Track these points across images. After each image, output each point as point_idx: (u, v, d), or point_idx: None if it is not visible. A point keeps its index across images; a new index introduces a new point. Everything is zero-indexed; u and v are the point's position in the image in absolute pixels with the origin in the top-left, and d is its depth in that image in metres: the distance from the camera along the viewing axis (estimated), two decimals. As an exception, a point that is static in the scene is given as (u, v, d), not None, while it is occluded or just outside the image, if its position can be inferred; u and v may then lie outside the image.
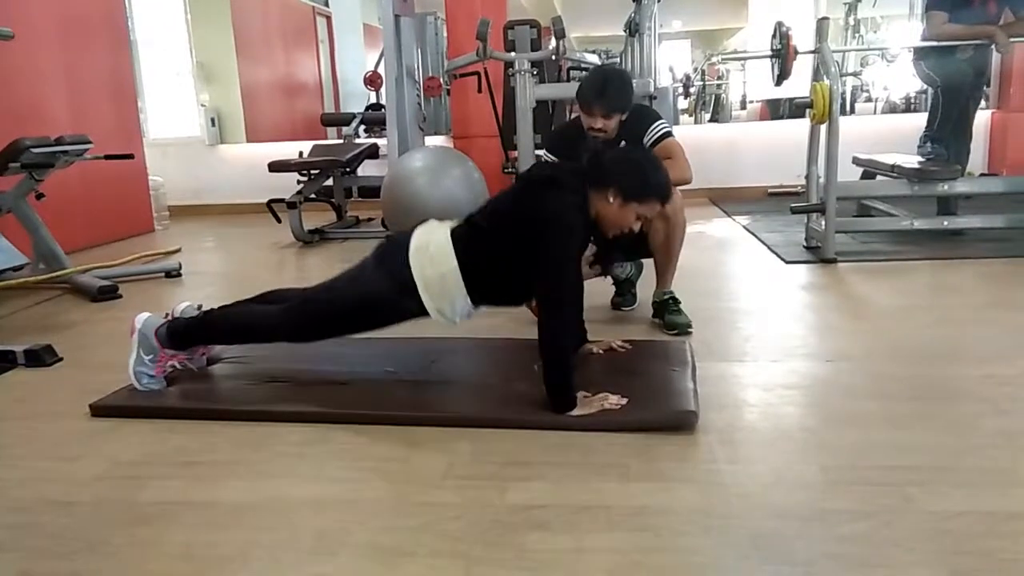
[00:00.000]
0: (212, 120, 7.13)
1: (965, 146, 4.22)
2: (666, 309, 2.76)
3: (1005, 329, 2.65)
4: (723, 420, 1.93)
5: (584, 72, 5.59)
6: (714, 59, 12.10)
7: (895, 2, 9.03)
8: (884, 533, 1.40)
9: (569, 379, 1.94)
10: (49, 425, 2.09)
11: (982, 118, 5.83)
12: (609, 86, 2.59)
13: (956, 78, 4.08)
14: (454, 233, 2.10)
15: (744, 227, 4.91)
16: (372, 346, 2.46)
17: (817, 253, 3.87)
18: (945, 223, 4.08)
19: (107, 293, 3.58)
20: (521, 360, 2.22)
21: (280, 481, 1.71)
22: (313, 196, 5.39)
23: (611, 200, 2.05)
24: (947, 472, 1.63)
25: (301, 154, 5.86)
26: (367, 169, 5.83)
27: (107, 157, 4.09)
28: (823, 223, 3.81)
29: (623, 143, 2.70)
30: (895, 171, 4.11)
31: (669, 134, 2.69)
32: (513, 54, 4.61)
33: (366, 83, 6.62)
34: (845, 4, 9.16)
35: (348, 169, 5.52)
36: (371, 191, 5.70)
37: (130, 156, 4.32)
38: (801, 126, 4.31)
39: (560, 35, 4.43)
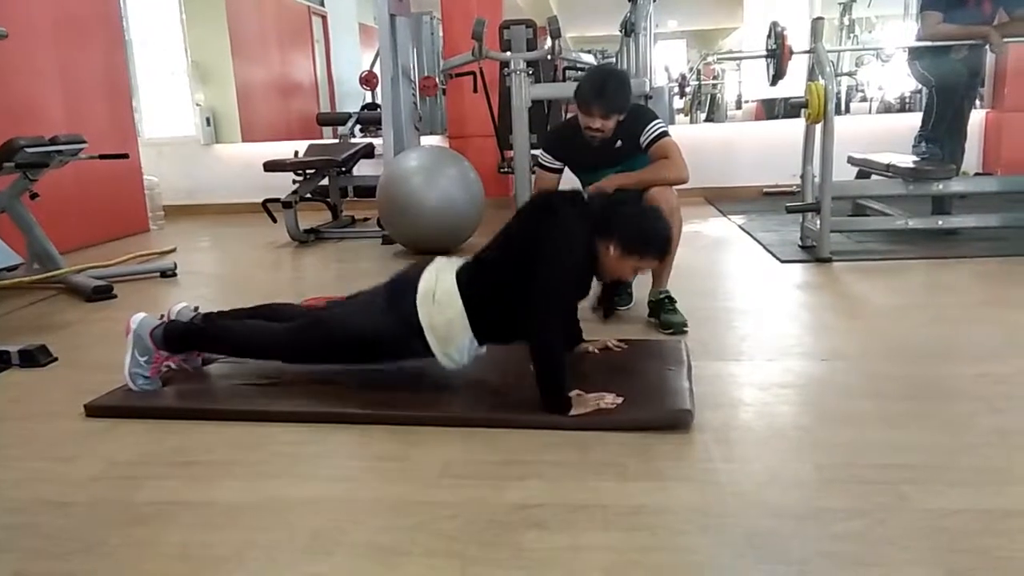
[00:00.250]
0: (207, 120, 7.12)
1: (960, 146, 4.23)
2: (662, 308, 2.76)
3: (1000, 328, 2.66)
4: (719, 419, 1.93)
5: (580, 72, 5.60)
6: (710, 59, 12.11)
7: (890, 2, 9.05)
8: (879, 531, 1.40)
9: (563, 381, 1.94)
10: (44, 425, 2.09)
11: (977, 118, 5.85)
12: (608, 86, 2.59)
13: (951, 78, 4.09)
14: (459, 274, 2.09)
15: (739, 226, 4.92)
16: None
17: (812, 252, 3.88)
18: (940, 222, 4.10)
19: (102, 293, 3.57)
20: (517, 360, 2.21)
21: (276, 481, 1.71)
22: (309, 196, 5.38)
23: (611, 250, 2.05)
24: (942, 470, 1.63)
25: (297, 154, 5.85)
26: (363, 169, 5.82)
27: (102, 157, 4.08)
28: (818, 222, 3.82)
29: (620, 143, 2.70)
30: (890, 171, 4.12)
31: (665, 134, 2.69)
32: (509, 54, 4.62)
33: (362, 83, 6.62)
34: (840, 4, 9.18)
35: (344, 169, 5.51)
36: (367, 191, 5.69)
37: (125, 156, 4.32)
38: (796, 126, 4.32)
39: (556, 35, 4.43)
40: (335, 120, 7.10)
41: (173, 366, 2.29)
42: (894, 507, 1.48)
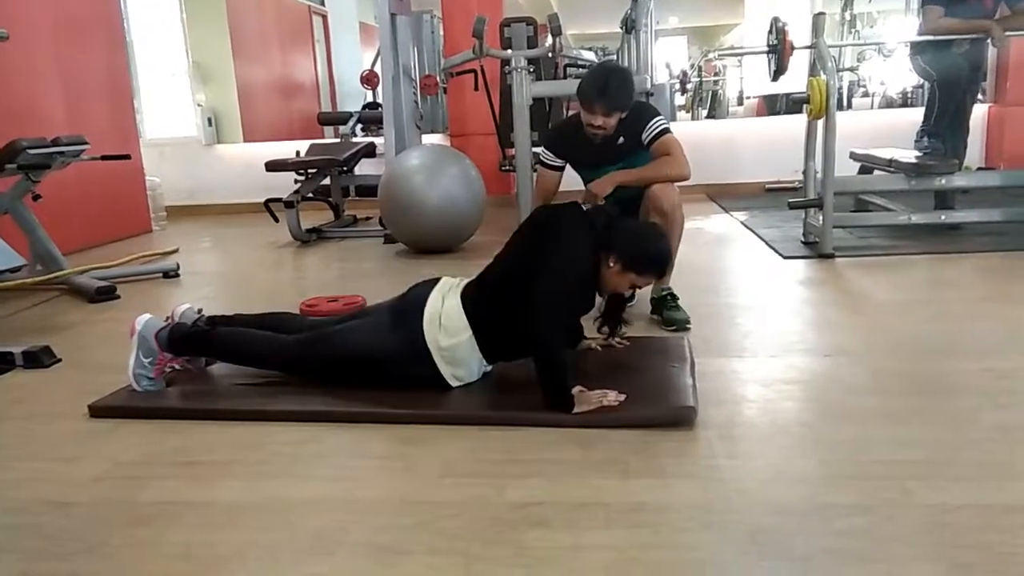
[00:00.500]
0: (209, 120, 7.12)
1: (962, 140, 4.22)
2: (664, 305, 2.76)
3: (1003, 323, 2.65)
4: (722, 416, 1.93)
5: (581, 69, 5.60)
6: (711, 55, 12.10)
7: (891, -3, 9.04)
8: (883, 527, 1.40)
9: (565, 380, 1.94)
10: (47, 426, 2.09)
11: (979, 112, 5.82)
12: (611, 84, 2.58)
13: (952, 72, 4.08)
14: (464, 296, 2.10)
15: (742, 223, 4.91)
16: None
17: (815, 248, 3.87)
18: (942, 217, 4.09)
19: (105, 294, 3.57)
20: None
21: (278, 481, 1.71)
22: (310, 195, 5.38)
23: (611, 264, 2.06)
24: (945, 466, 1.63)
25: (298, 153, 5.85)
26: (364, 168, 5.82)
27: (104, 158, 4.08)
28: (820, 218, 3.81)
29: (622, 140, 2.69)
30: (892, 166, 4.11)
31: (667, 130, 2.69)
32: (510, 51, 4.60)
33: (363, 82, 6.61)
34: (841, -1, 9.17)
35: (345, 168, 5.51)
36: (368, 190, 5.68)
37: (127, 157, 4.32)
38: (798, 122, 4.31)
39: (556, 32, 4.42)
40: (336, 119, 7.10)
41: (177, 367, 2.29)
42: (898, 503, 1.48)
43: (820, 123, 3.74)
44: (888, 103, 8.80)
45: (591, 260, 2.06)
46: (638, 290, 3.01)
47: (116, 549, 1.45)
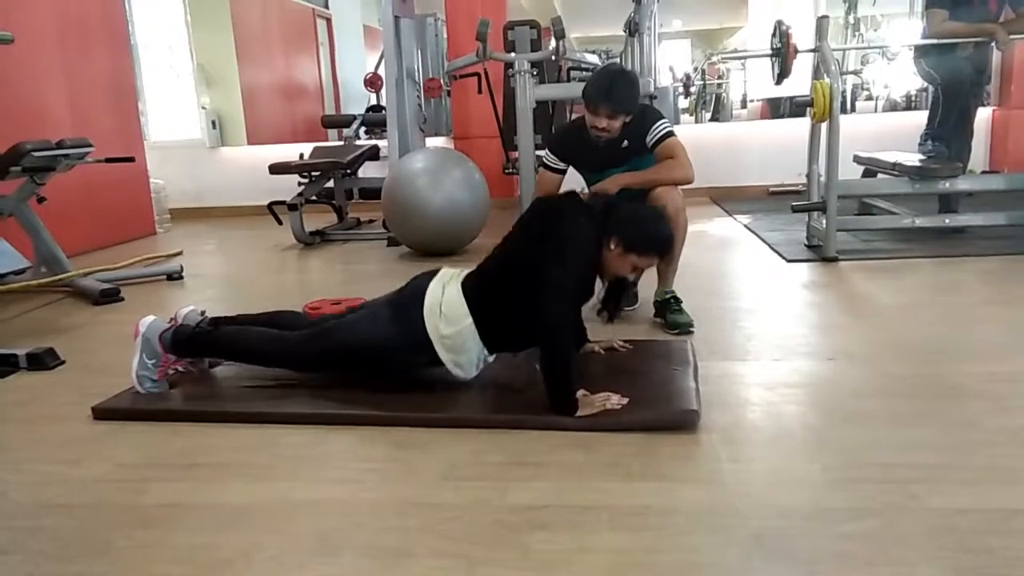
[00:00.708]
0: (213, 123, 7.14)
1: (966, 144, 4.21)
2: (668, 308, 2.76)
3: (1007, 326, 2.64)
4: (725, 419, 1.92)
5: (584, 72, 5.60)
6: (714, 58, 12.10)
7: (895, 0, 9.02)
8: (887, 531, 1.40)
9: (570, 382, 1.94)
10: (51, 428, 2.09)
11: (983, 115, 5.82)
12: (616, 87, 2.58)
13: (957, 76, 4.07)
14: (465, 285, 2.10)
15: (745, 226, 4.91)
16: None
17: (818, 252, 3.86)
18: (946, 221, 4.08)
19: (109, 296, 3.58)
20: (521, 361, 2.22)
21: (282, 483, 1.71)
22: (314, 198, 5.39)
23: (612, 247, 2.07)
24: (950, 470, 1.63)
25: (302, 156, 5.86)
26: (368, 171, 5.83)
27: (108, 160, 4.09)
28: (824, 221, 3.80)
29: (626, 143, 2.70)
30: (896, 169, 4.10)
31: (671, 134, 2.69)
32: (513, 55, 4.62)
33: (366, 85, 6.62)
34: (845, 2, 9.14)
35: (349, 171, 5.52)
36: (372, 192, 5.70)
37: (131, 159, 4.33)
38: (802, 125, 4.30)
39: (560, 35, 4.43)
40: (340, 122, 7.11)
41: (180, 369, 2.29)
42: (902, 507, 1.47)
43: (824, 126, 3.73)
44: (892, 106, 8.78)
45: (594, 245, 2.06)
46: (638, 293, 3.02)
47: (120, 551, 1.46)
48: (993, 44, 3.99)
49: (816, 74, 3.88)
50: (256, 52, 7.72)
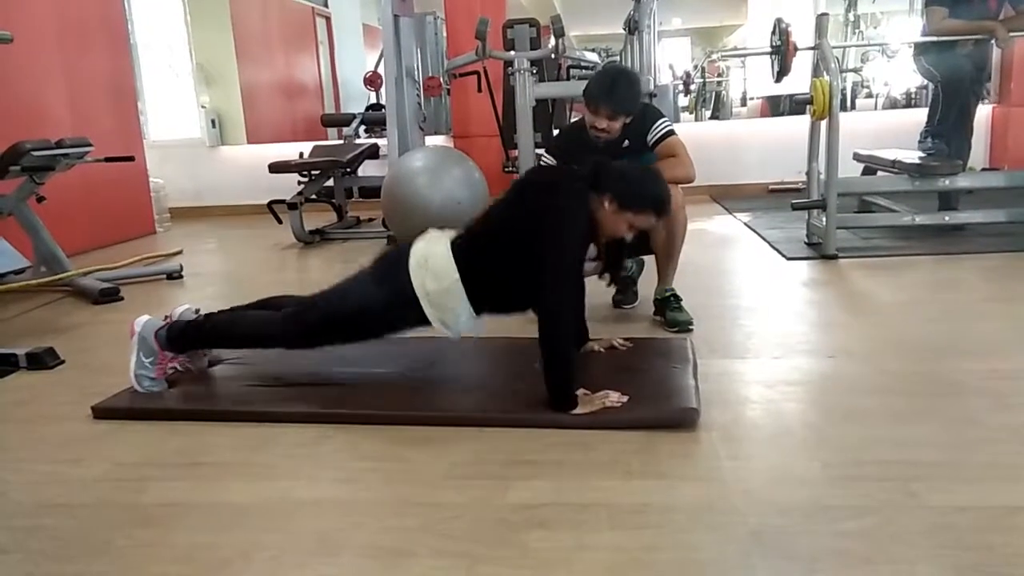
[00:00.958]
0: (212, 122, 7.13)
1: (966, 141, 4.21)
2: (667, 306, 2.76)
3: (1008, 323, 2.64)
4: (725, 417, 1.92)
5: (584, 71, 5.59)
6: (714, 56, 12.09)
7: (895, -3, 9.02)
8: (887, 529, 1.39)
9: (570, 378, 1.94)
10: (51, 428, 2.09)
11: (983, 113, 5.81)
12: (618, 87, 2.57)
13: (956, 73, 4.07)
14: (454, 244, 2.09)
15: (745, 224, 4.91)
16: (372, 347, 2.44)
17: (818, 249, 3.86)
18: (946, 218, 4.08)
19: (109, 295, 3.58)
20: (522, 359, 2.21)
21: (282, 482, 1.71)
22: (314, 197, 5.39)
23: (606, 206, 2.05)
24: (950, 467, 1.63)
25: (301, 155, 5.86)
26: (367, 169, 5.83)
27: (108, 160, 4.09)
28: (824, 219, 3.80)
29: (627, 142, 2.69)
30: (896, 167, 4.10)
31: (672, 132, 2.68)
32: (512, 53, 4.61)
33: (366, 83, 6.61)
34: (845, 0, 9.15)
35: (348, 170, 5.52)
36: (372, 191, 5.70)
37: (131, 158, 4.33)
38: (801, 122, 4.30)
39: (559, 33, 4.42)
40: (340, 121, 7.10)
41: (179, 367, 2.29)
42: (902, 504, 1.47)
43: (824, 124, 3.73)
44: (892, 104, 8.78)
45: (586, 224, 2.05)
46: (638, 291, 3.02)
47: (120, 550, 1.46)
48: (993, 41, 3.99)
49: (816, 72, 3.88)
50: (256, 51, 7.72)
